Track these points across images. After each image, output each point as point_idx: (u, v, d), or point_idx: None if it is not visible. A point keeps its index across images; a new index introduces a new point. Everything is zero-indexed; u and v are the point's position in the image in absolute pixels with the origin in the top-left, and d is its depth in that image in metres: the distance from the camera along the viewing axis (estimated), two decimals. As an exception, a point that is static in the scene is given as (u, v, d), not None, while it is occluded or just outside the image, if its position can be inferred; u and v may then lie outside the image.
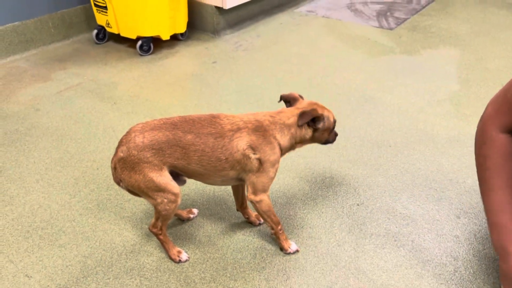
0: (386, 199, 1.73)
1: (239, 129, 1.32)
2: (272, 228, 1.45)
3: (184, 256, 1.46)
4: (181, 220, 1.62)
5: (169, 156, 1.29)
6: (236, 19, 3.35)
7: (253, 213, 1.61)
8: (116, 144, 2.04)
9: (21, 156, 1.97)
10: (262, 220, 1.60)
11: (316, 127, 1.40)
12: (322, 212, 1.67)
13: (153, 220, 1.41)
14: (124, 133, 2.12)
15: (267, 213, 1.40)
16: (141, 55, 2.91)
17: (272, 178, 1.38)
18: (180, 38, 3.13)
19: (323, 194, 1.75)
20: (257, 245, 1.52)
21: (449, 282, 1.39)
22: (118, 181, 1.35)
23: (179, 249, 1.47)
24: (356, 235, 1.56)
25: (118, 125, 2.20)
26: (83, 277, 1.40)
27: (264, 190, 1.37)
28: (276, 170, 1.38)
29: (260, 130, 1.33)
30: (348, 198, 1.73)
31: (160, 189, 1.29)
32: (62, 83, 2.58)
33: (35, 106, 2.36)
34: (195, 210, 1.64)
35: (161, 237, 1.44)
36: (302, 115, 1.35)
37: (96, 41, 3.05)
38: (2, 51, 2.78)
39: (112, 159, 1.35)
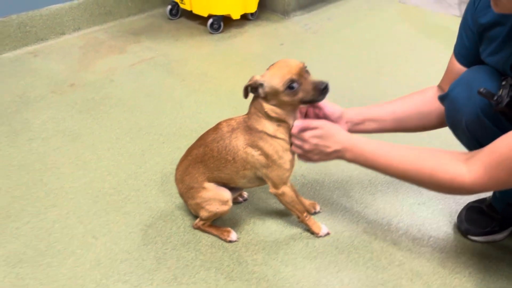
0: (449, 201, 1.65)
1: (234, 130, 1.36)
2: (298, 217, 1.48)
3: (233, 236, 1.50)
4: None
5: (199, 174, 1.42)
6: (307, 0, 3.29)
7: (306, 201, 1.61)
8: (182, 119, 2.13)
9: (95, 124, 2.10)
10: (317, 209, 1.60)
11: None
12: (380, 208, 1.63)
13: (198, 220, 1.51)
14: (190, 108, 2.20)
15: (291, 204, 1.43)
16: (211, 33, 2.96)
17: (288, 169, 1.36)
18: (250, 18, 3.13)
19: (383, 190, 1.71)
20: (310, 234, 1.53)
21: (511, 297, 1.32)
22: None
23: (227, 228, 1.52)
24: (413, 236, 1.52)
25: (185, 101, 2.27)
26: (143, 245, 1.49)
27: (284, 182, 1.38)
28: (290, 159, 1.35)
29: (247, 128, 1.34)
30: (409, 197, 1.68)
31: (210, 200, 1.42)
32: (136, 56, 2.70)
33: (110, 76, 2.49)
34: (245, 194, 1.67)
35: (205, 227, 1.51)
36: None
37: (169, 16, 3.14)
38: (84, 22, 2.95)
39: None
